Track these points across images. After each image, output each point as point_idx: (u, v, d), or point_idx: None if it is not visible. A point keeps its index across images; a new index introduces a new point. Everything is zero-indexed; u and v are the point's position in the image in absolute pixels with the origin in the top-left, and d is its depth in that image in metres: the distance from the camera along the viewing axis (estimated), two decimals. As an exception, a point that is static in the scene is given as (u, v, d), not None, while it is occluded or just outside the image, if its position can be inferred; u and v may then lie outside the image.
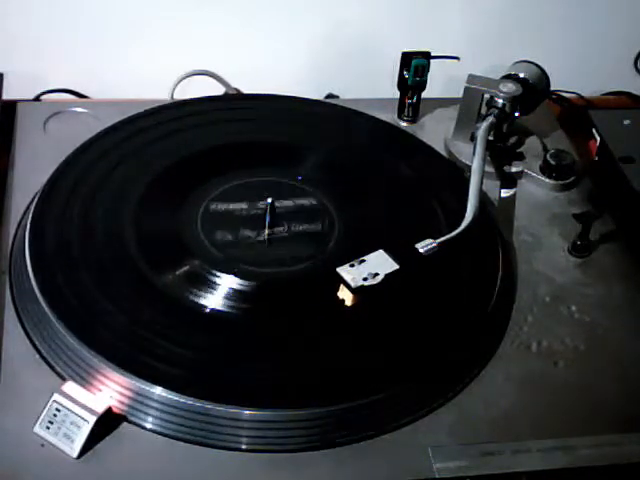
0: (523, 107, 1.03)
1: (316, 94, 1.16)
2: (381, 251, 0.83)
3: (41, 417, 0.75)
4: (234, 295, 0.84)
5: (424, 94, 1.09)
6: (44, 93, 1.17)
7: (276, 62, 1.21)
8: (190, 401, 0.76)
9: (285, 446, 0.76)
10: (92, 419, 0.74)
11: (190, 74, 1.16)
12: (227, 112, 1.07)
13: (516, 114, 1.03)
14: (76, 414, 0.74)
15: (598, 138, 1.06)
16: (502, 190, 1.02)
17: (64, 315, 0.81)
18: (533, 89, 1.04)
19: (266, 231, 0.90)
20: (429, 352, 0.82)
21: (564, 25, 1.26)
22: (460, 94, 1.03)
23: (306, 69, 1.23)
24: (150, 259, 0.87)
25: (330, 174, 0.99)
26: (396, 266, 0.82)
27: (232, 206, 0.93)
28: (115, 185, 0.94)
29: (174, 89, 1.15)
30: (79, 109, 1.08)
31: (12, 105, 1.07)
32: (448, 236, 0.86)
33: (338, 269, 0.82)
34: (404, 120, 1.11)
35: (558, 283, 0.92)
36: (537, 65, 1.05)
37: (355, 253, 0.83)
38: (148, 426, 0.76)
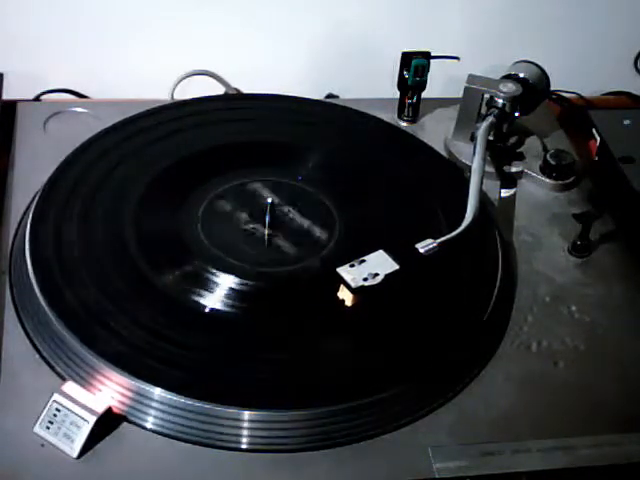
0: (523, 107, 1.03)
1: (316, 94, 1.16)
2: (381, 251, 0.83)
3: (41, 417, 0.75)
4: (234, 295, 0.84)
5: (424, 94, 1.09)
6: (44, 93, 1.17)
7: (276, 62, 1.21)
8: (190, 401, 0.76)
9: (285, 446, 0.76)
10: (92, 419, 0.74)
11: (190, 74, 1.16)
12: (227, 112, 1.07)
13: (516, 114, 1.03)
14: (76, 414, 0.74)
15: (598, 138, 1.06)
16: (502, 190, 1.02)
17: (64, 315, 0.81)
18: (533, 89, 1.04)
19: (266, 231, 0.90)
20: (429, 352, 0.82)
21: (564, 25, 1.26)
22: (460, 94, 1.03)
23: (306, 69, 1.23)
24: (150, 259, 0.87)
25: (330, 174, 0.99)
26: (396, 266, 0.82)
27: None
28: (115, 185, 0.94)
29: (174, 89, 1.15)
30: (79, 109, 1.08)
31: (12, 105, 1.07)
32: (448, 236, 0.86)
33: (338, 269, 0.82)
34: (404, 120, 1.11)
35: (558, 283, 0.93)
36: (537, 65, 1.05)
37: (355, 253, 0.83)
38: (148, 426, 0.76)
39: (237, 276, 0.85)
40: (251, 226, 0.91)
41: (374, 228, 0.92)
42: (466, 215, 0.89)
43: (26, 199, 0.94)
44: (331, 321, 0.83)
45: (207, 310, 0.83)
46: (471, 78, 1.03)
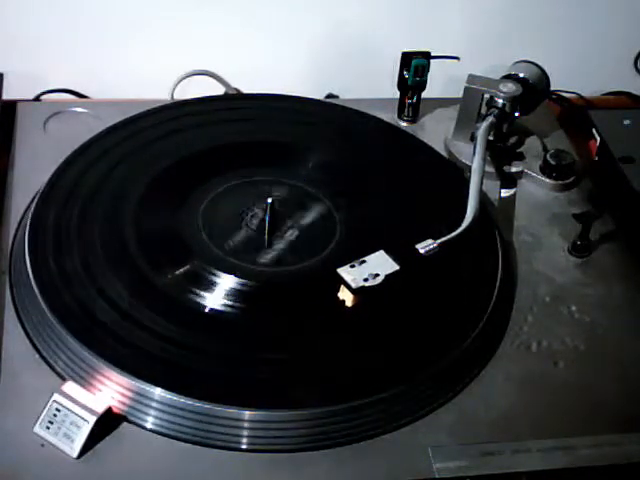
0: (523, 107, 1.03)
1: (316, 94, 1.16)
2: (382, 252, 0.83)
3: (41, 417, 0.75)
4: (234, 295, 0.84)
5: (424, 94, 1.09)
6: (44, 93, 1.17)
7: (276, 62, 1.21)
8: (190, 401, 0.76)
9: (285, 446, 0.76)
10: (92, 419, 0.74)
11: (190, 74, 1.16)
12: (227, 112, 1.07)
13: (516, 114, 1.03)
14: (76, 414, 0.74)
15: (598, 138, 1.06)
16: (502, 190, 1.02)
17: (64, 315, 0.81)
18: (533, 89, 1.04)
19: (266, 231, 0.90)
20: (429, 352, 0.82)
21: (564, 25, 1.26)
22: (460, 94, 1.03)
23: (306, 69, 1.23)
24: (150, 259, 0.87)
25: (330, 174, 0.99)
26: (396, 267, 0.82)
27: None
28: (115, 185, 0.94)
29: (174, 89, 1.15)
30: (79, 109, 1.08)
31: (12, 105, 1.07)
32: (448, 236, 0.86)
33: (339, 270, 0.82)
34: (404, 120, 1.11)
35: (558, 283, 0.93)
36: (537, 65, 1.05)
37: (355, 253, 0.83)
38: (148, 426, 0.76)
39: (237, 276, 0.85)
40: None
41: (374, 228, 0.92)
42: (466, 215, 0.89)
43: (26, 199, 0.94)
44: (331, 321, 0.83)
45: (207, 310, 0.83)
46: (471, 78, 1.03)
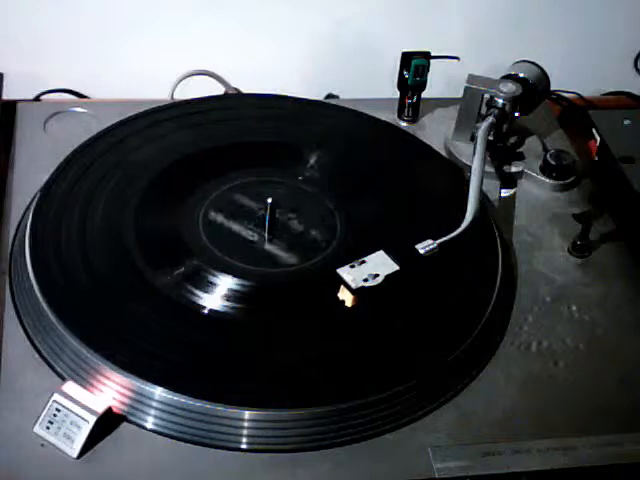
0: (523, 107, 1.03)
1: (316, 94, 1.16)
2: (381, 252, 0.83)
3: (41, 417, 0.75)
4: (234, 295, 0.84)
5: (424, 94, 1.09)
6: (44, 93, 1.17)
7: (276, 62, 1.21)
8: (190, 401, 0.76)
9: (285, 446, 0.76)
10: (92, 419, 0.74)
11: (190, 74, 1.16)
12: (227, 112, 1.07)
13: (516, 114, 1.03)
14: (76, 414, 0.74)
15: (598, 138, 1.06)
16: (502, 190, 1.02)
17: (64, 315, 0.81)
18: (533, 89, 1.04)
19: (266, 231, 0.90)
20: (429, 352, 0.82)
21: (564, 25, 1.26)
22: (460, 94, 1.03)
23: (306, 69, 1.23)
24: (150, 259, 0.87)
25: (330, 174, 0.99)
26: (396, 267, 0.82)
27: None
28: (115, 185, 0.94)
29: (174, 89, 1.15)
30: (79, 109, 1.07)
31: (12, 105, 1.07)
32: (448, 236, 0.86)
33: (338, 270, 0.82)
34: (404, 120, 1.11)
35: (558, 283, 0.92)
36: (537, 65, 1.05)
37: (355, 253, 0.83)
38: (148, 426, 0.76)
39: (237, 276, 0.85)
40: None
41: (374, 228, 0.92)
42: (466, 215, 0.89)
43: (26, 199, 0.94)
44: (331, 321, 0.83)
45: (207, 310, 0.83)
46: (471, 78, 1.03)
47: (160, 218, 0.91)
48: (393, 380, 0.79)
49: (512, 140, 1.06)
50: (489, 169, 1.01)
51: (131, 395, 0.76)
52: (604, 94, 1.29)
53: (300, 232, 0.92)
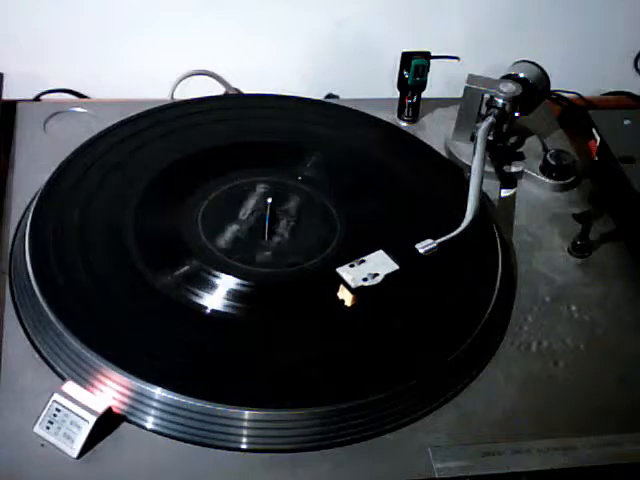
0: (523, 107, 1.03)
1: (316, 94, 1.16)
2: (381, 251, 0.83)
3: (41, 417, 0.75)
4: (234, 295, 0.84)
5: (424, 94, 1.09)
6: (44, 93, 1.17)
7: (276, 62, 1.21)
8: (190, 401, 0.76)
9: (285, 446, 0.76)
10: (92, 419, 0.74)
11: (190, 74, 1.16)
12: (227, 112, 1.07)
13: (516, 114, 1.03)
14: (76, 414, 0.74)
15: (598, 138, 1.06)
16: (502, 190, 1.02)
17: (64, 315, 0.81)
18: (533, 89, 1.04)
19: (266, 231, 0.90)
20: (429, 352, 0.82)
21: (564, 25, 1.26)
22: (460, 94, 1.03)
23: (306, 69, 1.23)
24: (150, 259, 0.87)
25: (330, 174, 0.99)
26: (396, 266, 0.82)
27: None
28: (115, 185, 0.94)
29: (174, 89, 1.15)
30: (79, 109, 1.07)
31: (12, 105, 1.07)
32: (448, 236, 0.86)
33: (338, 269, 0.82)
34: (404, 120, 1.11)
35: (558, 283, 0.92)
36: (537, 65, 1.05)
37: (355, 253, 0.83)
38: (148, 426, 0.76)
39: (237, 276, 0.85)
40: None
41: (374, 228, 0.92)
42: (466, 215, 0.89)
43: (26, 199, 0.94)
44: (331, 321, 0.83)
45: (207, 310, 0.83)
46: (471, 78, 1.03)
47: (160, 218, 0.91)
48: (393, 380, 0.79)
49: (512, 140, 1.06)
50: (489, 169, 1.01)
51: (131, 395, 0.76)
52: (604, 94, 1.29)
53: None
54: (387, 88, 1.10)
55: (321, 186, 0.97)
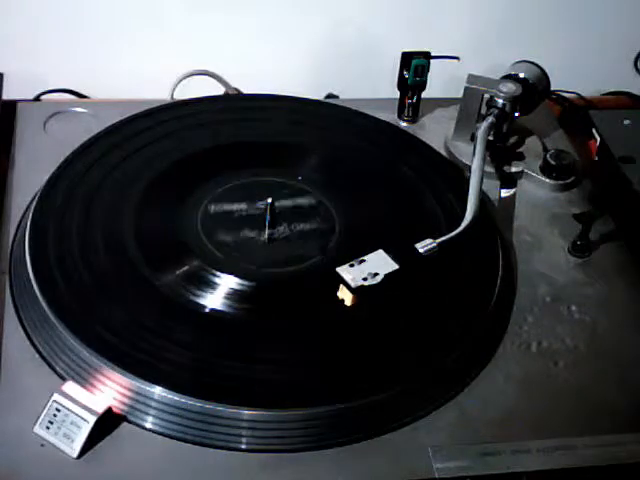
0: (523, 107, 1.03)
1: (316, 94, 1.16)
2: (381, 251, 0.83)
3: (41, 417, 0.75)
4: (234, 295, 0.84)
5: (424, 94, 1.09)
6: (44, 93, 1.17)
7: (276, 62, 1.21)
8: (190, 401, 0.76)
9: (285, 446, 0.76)
10: (92, 419, 0.74)
11: (190, 74, 1.16)
12: (227, 112, 1.07)
13: (516, 114, 1.03)
14: (76, 414, 0.74)
15: (598, 138, 1.06)
16: (502, 190, 1.02)
17: (64, 315, 0.81)
18: (533, 89, 1.04)
19: (266, 231, 0.90)
20: (429, 352, 0.82)
21: (564, 25, 1.26)
22: (460, 94, 1.03)
23: (306, 69, 1.23)
24: (150, 259, 0.87)
25: (330, 174, 0.99)
26: (396, 266, 0.82)
27: (232, 206, 0.93)
28: (115, 185, 0.94)
29: (174, 89, 1.15)
30: (79, 109, 1.08)
31: (12, 105, 1.07)
32: (448, 236, 0.86)
33: (338, 269, 0.81)
34: (404, 120, 1.11)
35: (558, 283, 0.92)
36: (537, 65, 1.05)
37: (355, 253, 0.83)
38: (148, 426, 0.76)
39: (237, 276, 0.85)
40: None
41: (374, 228, 0.92)
42: (466, 215, 0.89)
43: (26, 199, 0.94)
44: (331, 321, 0.83)
45: (207, 310, 0.83)
46: (471, 78, 1.03)
47: (160, 218, 0.91)
48: (393, 380, 0.79)
49: (512, 140, 1.06)
50: (489, 169, 1.01)
51: (131, 395, 0.76)
52: (604, 94, 1.29)
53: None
54: (387, 88, 1.10)
55: (321, 186, 0.97)
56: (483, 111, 1.02)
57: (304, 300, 0.86)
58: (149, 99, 1.07)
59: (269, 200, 0.91)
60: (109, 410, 0.75)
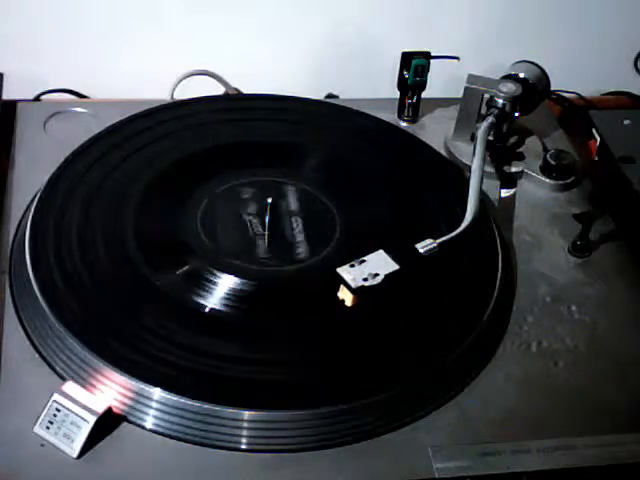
0: (523, 107, 1.03)
1: (316, 94, 1.16)
2: (381, 251, 0.83)
3: (41, 417, 0.75)
4: (234, 295, 0.84)
5: (424, 94, 1.09)
6: (44, 93, 1.17)
7: (276, 62, 1.21)
8: (190, 401, 0.76)
9: (285, 446, 0.76)
10: (92, 419, 0.74)
11: (190, 74, 1.16)
12: (227, 112, 1.07)
13: (516, 114, 1.03)
14: (76, 414, 0.74)
15: (598, 138, 1.06)
16: (502, 190, 1.02)
17: (64, 315, 0.81)
18: (533, 89, 1.04)
19: (266, 231, 0.90)
20: (429, 352, 0.82)
21: (564, 25, 1.26)
22: (460, 94, 1.03)
23: (306, 69, 1.23)
24: (150, 259, 0.87)
25: (330, 174, 0.99)
26: (396, 266, 0.82)
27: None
28: (115, 185, 0.94)
29: (174, 89, 1.15)
30: (79, 109, 1.07)
31: (12, 105, 1.07)
32: (448, 236, 0.86)
33: (338, 269, 0.81)
34: (404, 120, 1.11)
35: (558, 283, 0.92)
36: (537, 65, 1.05)
37: (355, 253, 0.83)
38: (148, 426, 0.76)
39: (237, 276, 0.85)
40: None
41: (374, 228, 0.92)
42: (466, 215, 0.89)
43: (26, 199, 0.94)
44: (331, 321, 0.83)
45: (207, 310, 0.83)
46: (471, 78, 1.03)
47: (160, 218, 0.91)
48: (393, 380, 0.79)
49: (512, 140, 1.06)
50: (489, 169, 1.01)
51: (131, 395, 0.76)
52: (604, 94, 1.29)
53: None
54: (387, 88, 1.10)
55: (321, 186, 0.97)
56: (483, 111, 1.02)
57: (304, 300, 0.86)
58: (149, 99, 1.07)
59: (269, 200, 0.91)
60: (109, 410, 0.75)
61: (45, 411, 0.75)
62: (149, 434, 0.76)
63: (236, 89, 1.21)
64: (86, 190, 0.93)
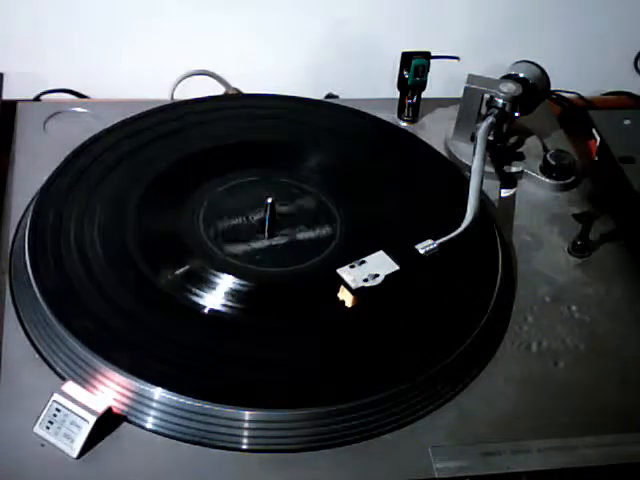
0: (523, 107, 1.03)
1: (316, 94, 1.16)
2: (381, 252, 0.83)
3: (41, 417, 0.75)
4: (234, 295, 0.84)
5: (424, 94, 1.09)
6: (44, 93, 1.17)
7: (276, 62, 1.21)
8: (190, 401, 0.76)
9: (285, 446, 0.76)
10: (92, 419, 0.74)
11: (190, 74, 1.16)
12: (227, 112, 1.07)
13: (516, 114, 1.03)
14: (76, 414, 0.74)
15: (598, 138, 1.06)
16: (502, 190, 1.02)
17: (64, 315, 0.81)
18: (533, 89, 1.04)
19: (266, 231, 0.90)
20: (429, 352, 0.82)
21: (564, 25, 1.26)
22: (460, 94, 1.03)
23: (306, 69, 1.23)
24: (150, 259, 0.87)
25: (330, 174, 0.99)
26: (396, 267, 0.82)
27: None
28: (115, 185, 0.94)
29: (174, 89, 1.15)
30: (79, 109, 1.08)
31: (12, 105, 1.07)
32: (448, 236, 0.86)
33: (338, 270, 0.81)
34: (404, 120, 1.11)
35: (558, 283, 0.92)
36: (537, 65, 1.05)
37: (355, 254, 0.83)
38: (148, 426, 0.76)
39: (237, 276, 0.85)
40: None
41: (374, 228, 0.92)
42: (466, 215, 0.89)
43: (26, 199, 0.94)
44: (331, 322, 0.83)
45: (207, 310, 0.83)
46: (471, 78, 1.03)
47: (160, 218, 0.91)
48: (393, 380, 0.79)
49: (512, 140, 1.06)
50: (489, 169, 1.01)
51: (131, 395, 0.76)
52: (604, 94, 1.29)
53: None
54: (387, 88, 1.10)
55: (321, 186, 0.97)
56: (483, 111, 1.02)
57: (304, 300, 0.86)
58: (149, 99, 1.07)
59: (269, 200, 0.91)
60: (109, 410, 0.75)
61: (45, 411, 0.75)
62: (149, 434, 0.76)
63: (236, 89, 1.21)
64: (86, 190, 0.93)
